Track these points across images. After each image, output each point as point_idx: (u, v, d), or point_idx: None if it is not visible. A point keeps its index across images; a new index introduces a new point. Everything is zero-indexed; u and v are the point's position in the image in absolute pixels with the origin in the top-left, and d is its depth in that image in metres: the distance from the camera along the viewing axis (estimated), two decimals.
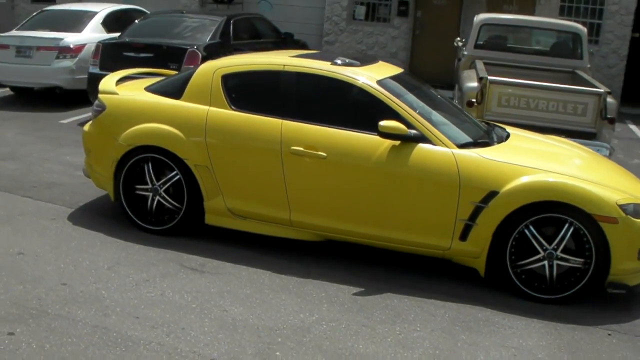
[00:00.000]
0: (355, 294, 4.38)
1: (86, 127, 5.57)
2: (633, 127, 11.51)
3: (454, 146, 4.60)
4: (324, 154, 4.68)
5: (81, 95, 9.58)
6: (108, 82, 5.59)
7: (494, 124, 5.62)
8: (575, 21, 11.79)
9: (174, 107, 5.14)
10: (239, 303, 4.12)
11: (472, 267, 4.62)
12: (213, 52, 8.77)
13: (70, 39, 9.76)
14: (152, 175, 5.14)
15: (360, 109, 4.88)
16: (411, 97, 4.98)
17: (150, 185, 5.16)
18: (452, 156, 4.54)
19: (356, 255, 4.99)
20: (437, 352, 3.71)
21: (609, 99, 7.30)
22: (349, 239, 4.84)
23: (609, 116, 7.29)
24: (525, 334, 4.01)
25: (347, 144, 4.69)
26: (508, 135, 5.19)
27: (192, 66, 8.40)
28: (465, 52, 9.95)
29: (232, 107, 5.00)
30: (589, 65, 9.61)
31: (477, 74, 8.17)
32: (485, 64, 9.09)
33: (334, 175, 4.71)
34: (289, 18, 14.68)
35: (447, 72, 13.60)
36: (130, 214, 5.24)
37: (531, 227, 4.39)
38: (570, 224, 4.32)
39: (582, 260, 4.35)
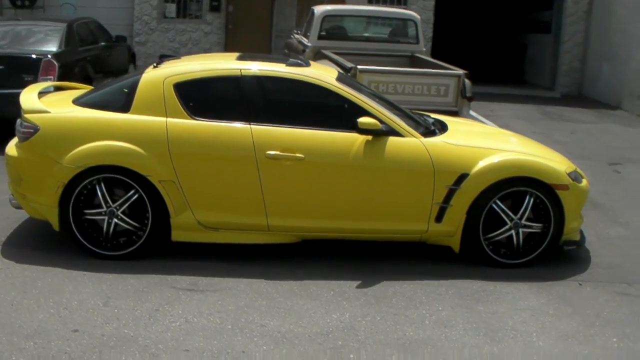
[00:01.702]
0: (358, 287, 4.51)
1: (11, 152, 4.88)
2: None
3: (420, 136, 4.92)
4: (301, 156, 4.70)
5: None
6: (30, 100, 4.96)
7: (417, 112, 6.03)
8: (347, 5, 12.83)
9: (125, 121, 4.75)
10: (268, 315, 4.04)
11: (447, 245, 5.00)
12: (65, 60, 8.15)
13: None
14: (107, 197, 4.72)
15: (327, 108, 5.00)
16: (363, 94, 5.17)
17: (104, 208, 4.73)
18: (422, 145, 4.85)
19: (328, 251, 5.09)
20: (475, 326, 4.04)
21: (466, 80, 8.17)
22: (329, 235, 4.94)
23: (467, 95, 8.18)
24: (522, 296, 4.50)
25: (323, 144, 4.77)
26: (439, 121, 5.62)
27: (50, 77, 7.71)
28: (309, 44, 10.31)
29: (192, 116, 4.76)
30: (424, 49, 10.56)
31: (340, 64, 8.56)
32: (334, 54, 9.56)
33: (312, 175, 4.76)
34: None
35: None
36: (85, 242, 4.76)
37: (498, 202, 4.88)
38: (531, 195, 4.89)
39: (541, 225, 4.96)
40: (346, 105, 4.91)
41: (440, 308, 4.27)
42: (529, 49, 16.38)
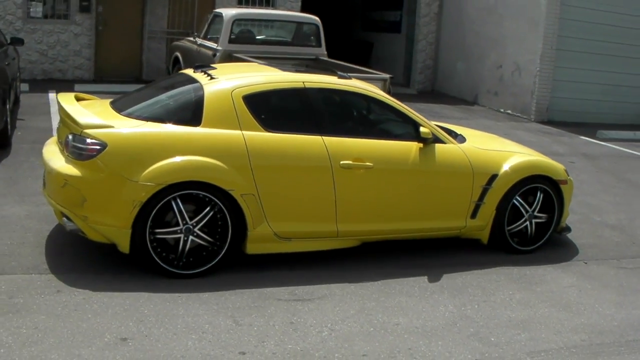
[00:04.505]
0: (432, 282, 4.97)
1: (69, 171, 4.51)
2: None
3: (456, 142, 5.50)
4: (370, 164, 5.03)
5: None
6: (86, 114, 4.64)
7: None
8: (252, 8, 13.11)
9: (201, 135, 4.68)
10: (390, 314, 4.35)
11: (476, 238, 5.65)
12: None
13: None
14: (184, 214, 4.62)
15: (383, 119, 5.37)
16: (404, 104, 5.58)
17: (181, 226, 4.62)
18: (461, 151, 5.44)
19: (358, 252, 5.32)
20: (550, 303, 4.74)
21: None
22: (388, 237, 5.32)
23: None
24: (557, 276, 5.30)
25: (387, 152, 5.14)
26: (444, 127, 6.21)
27: None
28: (220, 48, 10.32)
29: (265, 128, 4.83)
30: (326, 52, 11.09)
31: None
32: (248, 57, 9.73)
33: (378, 182, 5.11)
34: None
35: (133, 66, 13.55)
36: (161, 262, 4.60)
37: (518, 198, 5.63)
38: (541, 191, 5.72)
39: (546, 215, 5.81)
40: (397, 116, 5.33)
41: (511, 292, 4.91)
42: (375, 48, 17.64)
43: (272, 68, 5.58)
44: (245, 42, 10.48)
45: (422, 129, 5.19)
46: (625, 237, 6.43)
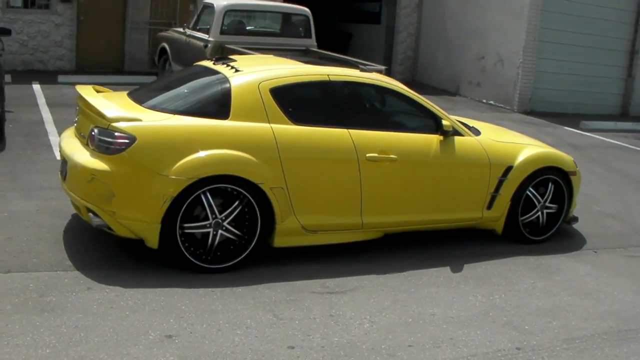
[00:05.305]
0: (454, 272, 5.05)
1: (97, 166, 4.42)
2: None
3: (473, 135, 5.57)
4: (395, 157, 5.07)
5: None
6: (113, 107, 4.55)
7: None
8: None
9: (230, 128, 4.65)
10: (423, 305, 4.41)
11: (491, 228, 5.74)
12: None
13: None
14: (214, 208, 4.58)
15: (404, 112, 5.41)
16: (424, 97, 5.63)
17: (210, 220, 4.58)
18: (479, 143, 5.52)
19: (379, 243, 5.36)
20: (572, 291, 4.86)
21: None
22: (410, 228, 5.37)
23: None
24: (572, 266, 5.44)
25: (409, 145, 5.19)
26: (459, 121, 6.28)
27: None
28: (211, 39, 10.20)
29: (293, 121, 4.82)
30: (316, 43, 11.06)
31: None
32: (242, 48, 9.66)
33: (402, 174, 5.16)
34: None
35: (115, 57, 13.34)
36: (191, 257, 4.56)
37: (531, 189, 5.74)
38: (552, 182, 5.84)
39: (556, 206, 5.94)
40: (418, 109, 5.38)
41: (532, 281, 5.01)
42: (354, 38, 17.65)
43: (291, 60, 5.56)
44: (236, 34, 10.36)
45: (444, 122, 5.26)
46: (627, 226, 6.63)
